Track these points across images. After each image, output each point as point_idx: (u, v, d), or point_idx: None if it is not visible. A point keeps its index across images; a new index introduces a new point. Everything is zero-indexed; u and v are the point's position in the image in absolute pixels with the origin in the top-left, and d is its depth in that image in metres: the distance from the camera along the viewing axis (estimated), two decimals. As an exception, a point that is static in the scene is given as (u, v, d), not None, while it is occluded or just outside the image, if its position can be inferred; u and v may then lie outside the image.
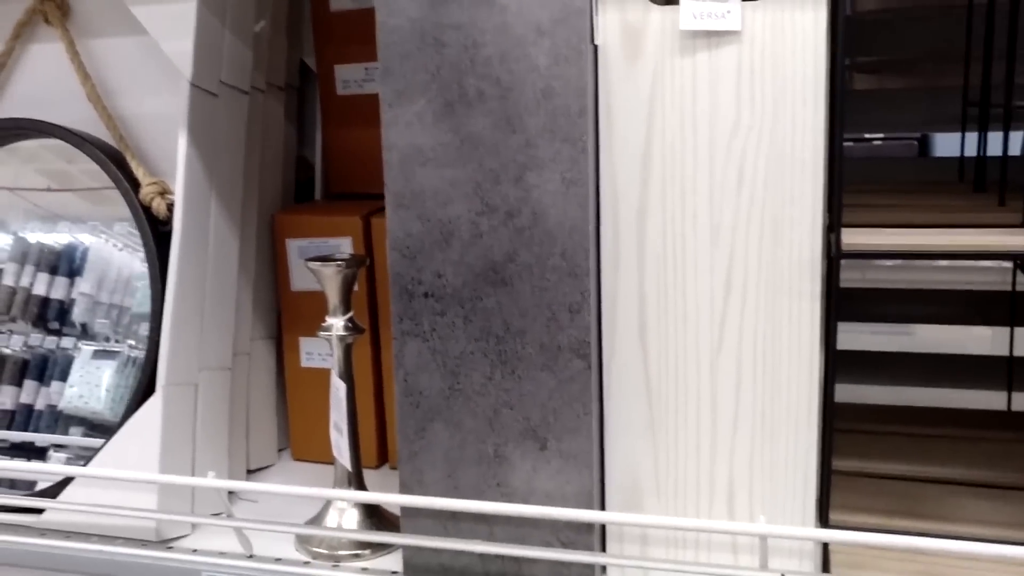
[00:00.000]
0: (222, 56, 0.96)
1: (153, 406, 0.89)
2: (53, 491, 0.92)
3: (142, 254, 0.95)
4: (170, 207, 0.93)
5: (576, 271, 0.74)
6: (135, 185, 0.93)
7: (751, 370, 0.75)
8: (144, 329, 0.97)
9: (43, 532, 0.91)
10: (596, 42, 0.73)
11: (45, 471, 0.93)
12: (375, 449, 1.06)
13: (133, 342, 1.00)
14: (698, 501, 0.77)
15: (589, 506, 0.75)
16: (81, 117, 0.98)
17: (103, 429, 0.98)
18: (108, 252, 1.02)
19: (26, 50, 1.02)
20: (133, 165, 0.95)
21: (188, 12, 0.91)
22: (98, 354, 1.01)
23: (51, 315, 1.03)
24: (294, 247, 1.05)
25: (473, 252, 0.76)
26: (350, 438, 0.86)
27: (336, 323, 0.86)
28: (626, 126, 0.74)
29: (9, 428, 1.03)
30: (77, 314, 1.03)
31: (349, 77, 1.11)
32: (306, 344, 1.06)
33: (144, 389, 0.91)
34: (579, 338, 0.74)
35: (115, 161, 0.94)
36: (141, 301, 0.99)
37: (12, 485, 0.98)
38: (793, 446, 0.75)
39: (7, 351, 1.05)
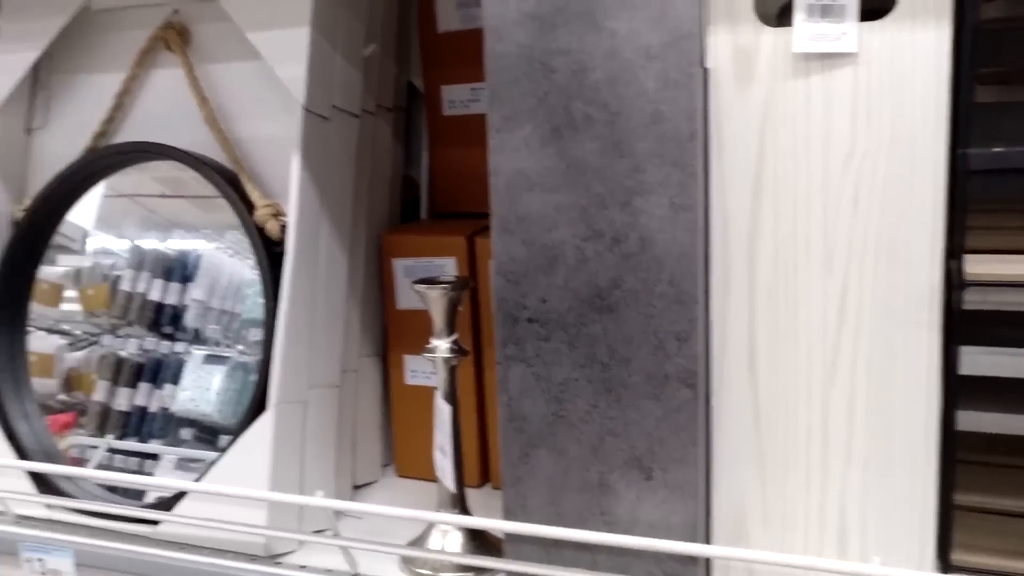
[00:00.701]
0: (334, 80, 0.98)
1: (264, 423, 0.91)
2: (168, 503, 0.95)
3: (251, 261, 0.97)
4: (283, 228, 0.95)
5: (684, 298, 0.72)
6: (249, 206, 0.96)
7: (865, 401, 0.72)
8: (253, 335, 1.00)
9: (158, 543, 0.94)
10: (706, 65, 0.72)
11: (161, 485, 0.96)
12: (477, 468, 1.06)
13: (242, 347, 1.02)
14: (807, 537, 0.75)
15: (694, 538, 0.74)
16: (199, 140, 1.01)
17: (212, 431, 1.02)
18: (219, 259, 1.05)
19: (148, 75, 1.06)
20: (248, 187, 0.97)
21: (301, 38, 0.93)
22: (209, 358, 1.04)
23: (165, 320, 1.07)
24: (400, 266, 1.06)
25: (578, 278, 0.75)
26: (454, 460, 0.86)
27: (441, 345, 0.87)
28: (737, 150, 0.72)
29: (124, 429, 1.07)
30: (189, 319, 1.05)
31: (455, 97, 1.12)
32: (411, 362, 1.08)
33: (256, 406, 0.93)
34: (687, 367, 0.73)
35: (231, 183, 0.97)
36: (250, 308, 1.01)
37: (125, 492, 1.01)
38: (910, 481, 0.72)
39: (124, 354, 1.09)
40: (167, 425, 1.05)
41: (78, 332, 1.12)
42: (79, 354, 1.11)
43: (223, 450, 0.94)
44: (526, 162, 0.76)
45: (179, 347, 1.05)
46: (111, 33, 1.08)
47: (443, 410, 0.86)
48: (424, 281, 0.88)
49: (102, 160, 1.05)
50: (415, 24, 1.15)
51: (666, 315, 0.73)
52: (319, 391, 0.97)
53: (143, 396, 1.07)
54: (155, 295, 1.08)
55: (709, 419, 0.75)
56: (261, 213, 0.95)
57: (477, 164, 1.11)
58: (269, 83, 0.97)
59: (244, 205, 0.96)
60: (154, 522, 0.95)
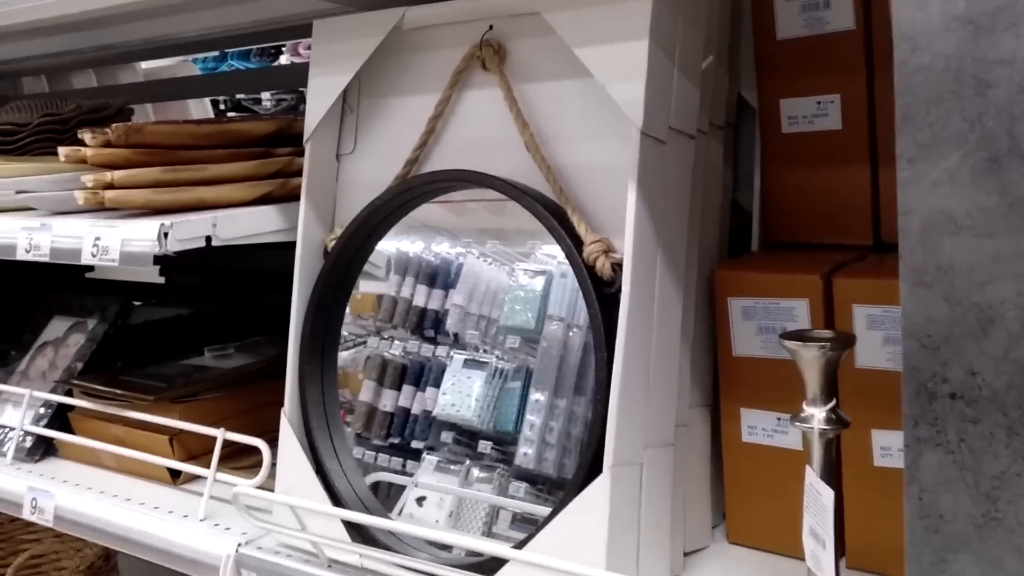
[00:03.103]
0: (671, 99, 0.86)
1: (599, 489, 0.81)
2: (490, 565, 0.87)
3: (508, 268, 0.97)
4: (614, 267, 0.84)
5: None
6: (576, 242, 0.86)
7: None
8: (511, 341, 0.99)
9: (483, 607, 0.87)
10: None
11: (483, 549, 0.88)
12: (827, 541, 0.91)
13: (499, 353, 1.00)
14: None
15: None
16: (515, 167, 0.93)
17: (470, 435, 1.00)
18: (478, 266, 1.03)
19: (461, 97, 0.99)
20: (575, 220, 0.87)
21: (639, 53, 0.83)
22: (468, 363, 1.02)
23: (427, 324, 1.06)
24: (737, 307, 0.93)
25: (1023, 347, 0.59)
26: (835, 553, 0.72)
27: (816, 414, 0.73)
28: None
29: (388, 430, 1.07)
30: (450, 324, 1.04)
31: (797, 112, 0.98)
32: (748, 416, 0.94)
33: (587, 467, 0.83)
34: None
35: (555, 216, 0.88)
36: (508, 314, 0.99)
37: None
38: None
39: (388, 356, 1.08)
40: (428, 428, 1.03)
41: (346, 333, 1.11)
42: (347, 354, 1.12)
43: (554, 505, 0.85)
44: (950, 200, 0.61)
45: (440, 351, 1.04)
46: (423, 53, 1.02)
47: (822, 494, 0.72)
48: (794, 336, 0.74)
49: (417, 188, 0.98)
50: (747, 31, 1.02)
51: None
52: (655, 451, 0.86)
53: (406, 398, 1.06)
54: (419, 300, 1.06)
55: None
56: (591, 249, 0.85)
57: (824, 188, 0.97)
58: (595, 104, 0.88)
59: (572, 242, 0.86)
60: (474, 583, 0.88)
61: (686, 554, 0.95)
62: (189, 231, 1.01)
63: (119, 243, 1.02)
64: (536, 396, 0.97)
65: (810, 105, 0.97)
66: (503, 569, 0.86)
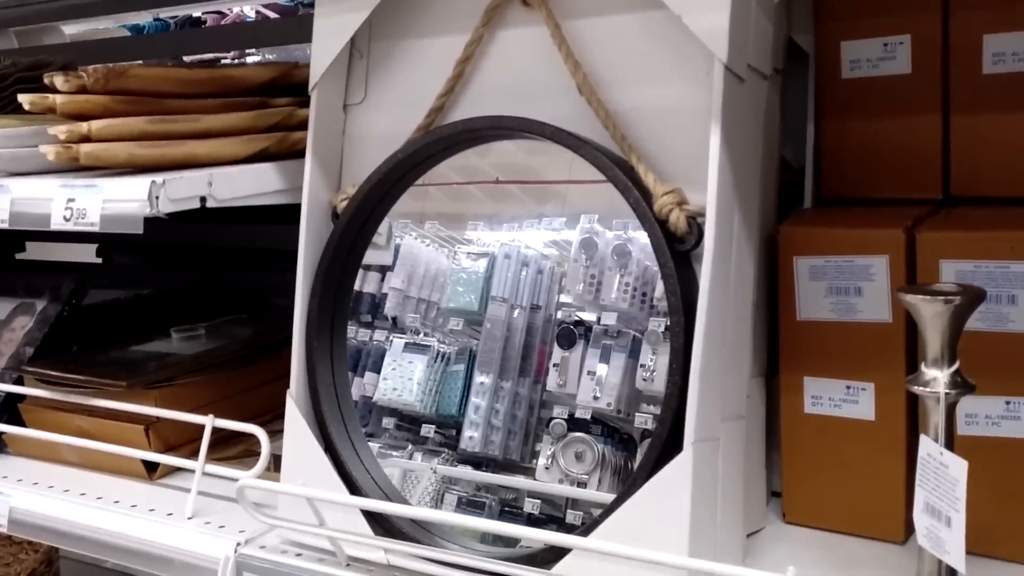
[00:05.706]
0: (750, 33, 0.78)
1: (680, 467, 0.72)
2: (545, 556, 0.78)
3: (448, 250, 0.96)
4: (689, 221, 0.76)
5: None
6: (645, 195, 0.77)
7: None
8: (453, 324, 0.96)
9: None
10: None
11: (544, 539, 0.78)
12: (903, 520, 0.85)
13: (441, 336, 0.97)
14: None
15: None
16: (562, 113, 0.83)
17: (411, 420, 0.98)
18: (417, 249, 1.00)
19: (495, 37, 0.89)
20: (641, 170, 0.78)
21: (722, -21, 0.74)
22: (409, 347, 0.99)
23: (364, 309, 1.02)
24: (804, 267, 0.86)
25: None
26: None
27: (939, 376, 0.66)
28: None
29: None
30: (388, 308, 1.00)
31: (860, 56, 0.91)
32: (813, 385, 0.87)
33: (661, 444, 0.74)
34: None
35: (619, 166, 0.79)
36: (450, 296, 0.97)
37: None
38: None
39: None
40: (368, 414, 0.99)
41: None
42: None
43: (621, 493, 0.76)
44: None
45: (378, 335, 1.01)
46: (447, -11, 0.91)
47: (947, 465, 0.65)
48: (914, 290, 0.67)
49: (450, 138, 0.87)
50: (800, -33, 0.94)
51: None
52: (729, 424, 0.78)
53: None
54: (355, 284, 0.99)
55: None
56: (663, 202, 0.76)
57: (890, 138, 0.90)
58: (656, 41, 0.80)
59: (640, 194, 0.77)
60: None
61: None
62: (183, 189, 0.88)
63: (99, 205, 0.89)
64: (481, 378, 0.94)
65: (875, 47, 0.90)
66: (564, 560, 0.76)
